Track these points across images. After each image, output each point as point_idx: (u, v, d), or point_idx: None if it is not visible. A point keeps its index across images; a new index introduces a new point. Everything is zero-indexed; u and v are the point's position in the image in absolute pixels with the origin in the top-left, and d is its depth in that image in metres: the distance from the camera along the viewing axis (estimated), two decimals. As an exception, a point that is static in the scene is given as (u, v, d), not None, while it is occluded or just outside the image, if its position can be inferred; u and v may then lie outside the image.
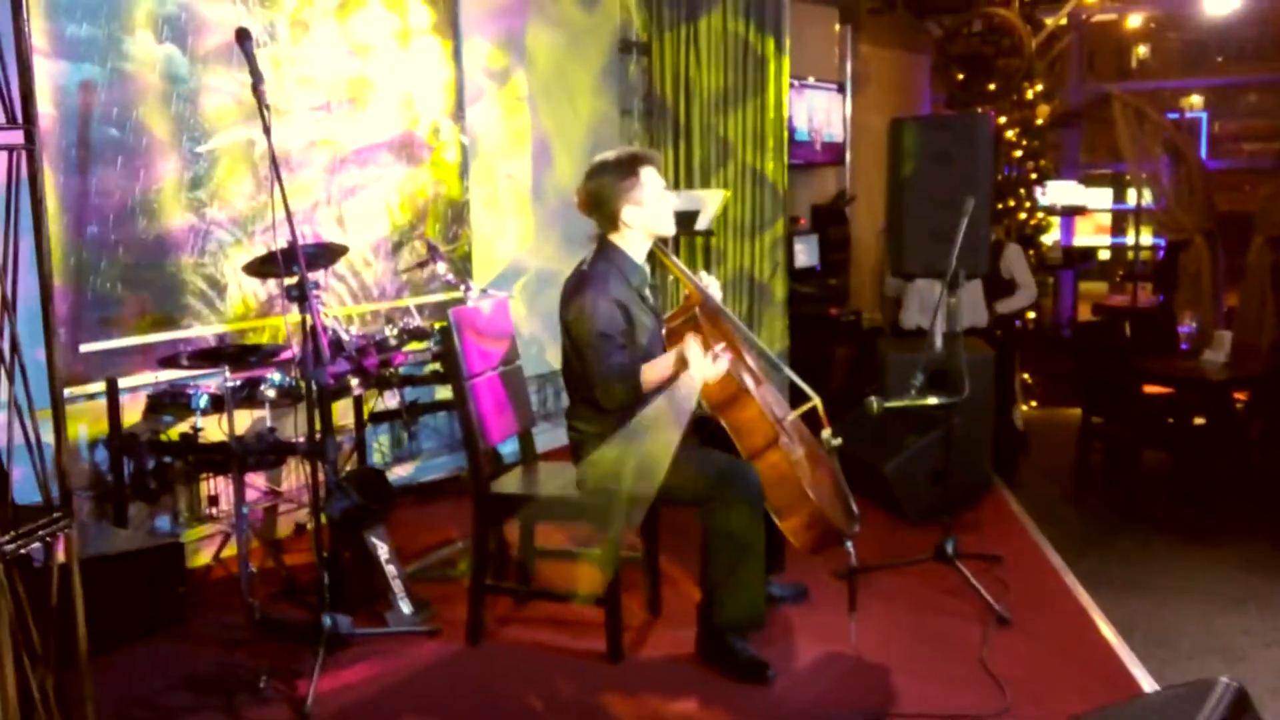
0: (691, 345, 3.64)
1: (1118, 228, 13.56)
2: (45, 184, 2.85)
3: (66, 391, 3.35)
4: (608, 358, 3.77)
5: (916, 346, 5.92)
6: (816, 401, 3.92)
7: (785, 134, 7.14)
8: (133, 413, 4.61)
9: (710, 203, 6.28)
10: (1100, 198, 13.17)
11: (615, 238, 3.96)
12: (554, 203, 6.98)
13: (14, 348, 2.73)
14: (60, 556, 2.89)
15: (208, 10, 4.94)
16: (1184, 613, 4.61)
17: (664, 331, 4.02)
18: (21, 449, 2.79)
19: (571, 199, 4.15)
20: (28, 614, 2.71)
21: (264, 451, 4.36)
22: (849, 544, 3.94)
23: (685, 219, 5.92)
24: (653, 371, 3.77)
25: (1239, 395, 6.67)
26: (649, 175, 3.91)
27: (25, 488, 2.95)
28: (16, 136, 2.81)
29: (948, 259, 4.58)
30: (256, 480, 4.92)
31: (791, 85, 7.45)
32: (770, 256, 7.24)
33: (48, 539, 2.81)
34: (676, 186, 6.94)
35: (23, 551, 2.73)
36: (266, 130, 3.51)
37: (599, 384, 3.79)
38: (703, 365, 3.62)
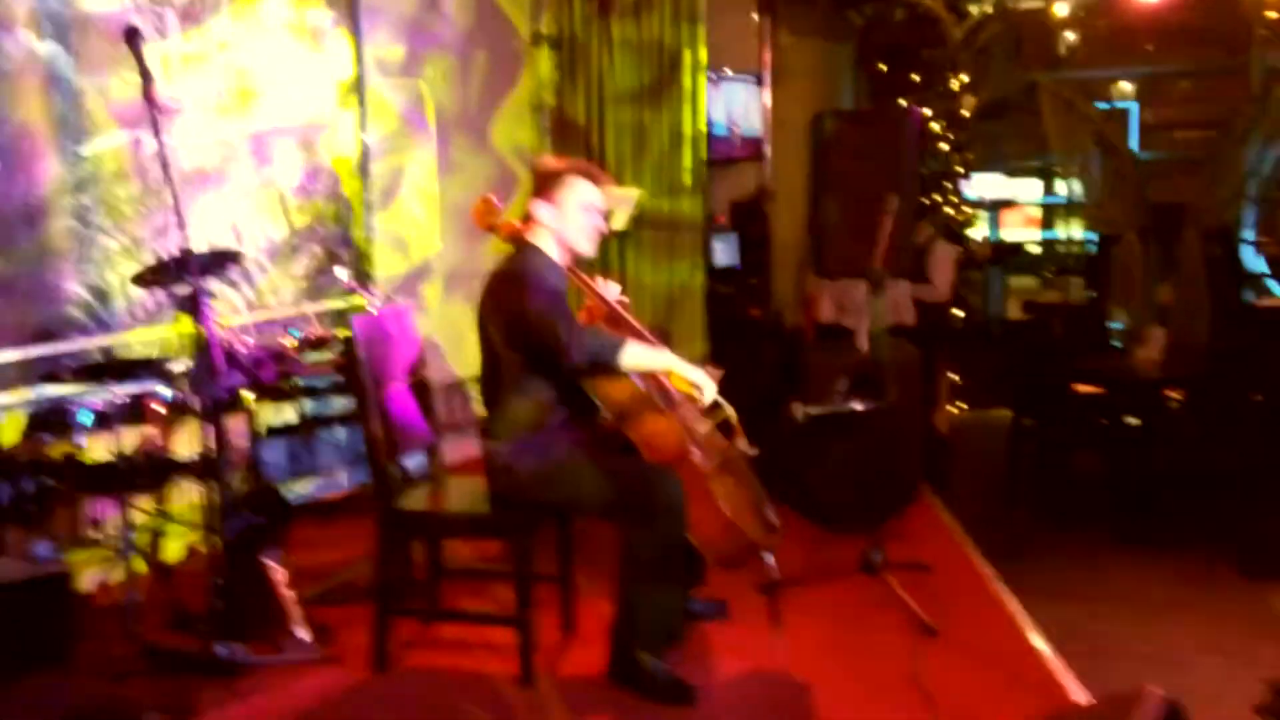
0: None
1: (1048, 221, 13.78)
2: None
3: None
4: (581, 333, 3.73)
5: (839, 348, 5.97)
6: (729, 411, 3.94)
7: (703, 127, 7.19)
8: (9, 431, 4.52)
9: (624, 202, 6.29)
10: (1029, 189, 13.40)
11: (531, 237, 3.94)
12: (459, 204, 6.95)
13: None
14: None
15: (92, 5, 4.86)
16: (1118, 620, 4.69)
17: None
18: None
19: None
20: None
21: (153, 471, 4.29)
22: (770, 557, 3.97)
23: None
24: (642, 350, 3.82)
25: (1174, 394, 6.77)
26: (580, 185, 3.88)
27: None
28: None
29: (870, 259, 4.64)
30: (143, 501, 4.83)
31: (708, 77, 7.50)
32: (688, 256, 7.29)
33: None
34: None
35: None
36: (157, 132, 3.47)
37: (582, 359, 3.72)
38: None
